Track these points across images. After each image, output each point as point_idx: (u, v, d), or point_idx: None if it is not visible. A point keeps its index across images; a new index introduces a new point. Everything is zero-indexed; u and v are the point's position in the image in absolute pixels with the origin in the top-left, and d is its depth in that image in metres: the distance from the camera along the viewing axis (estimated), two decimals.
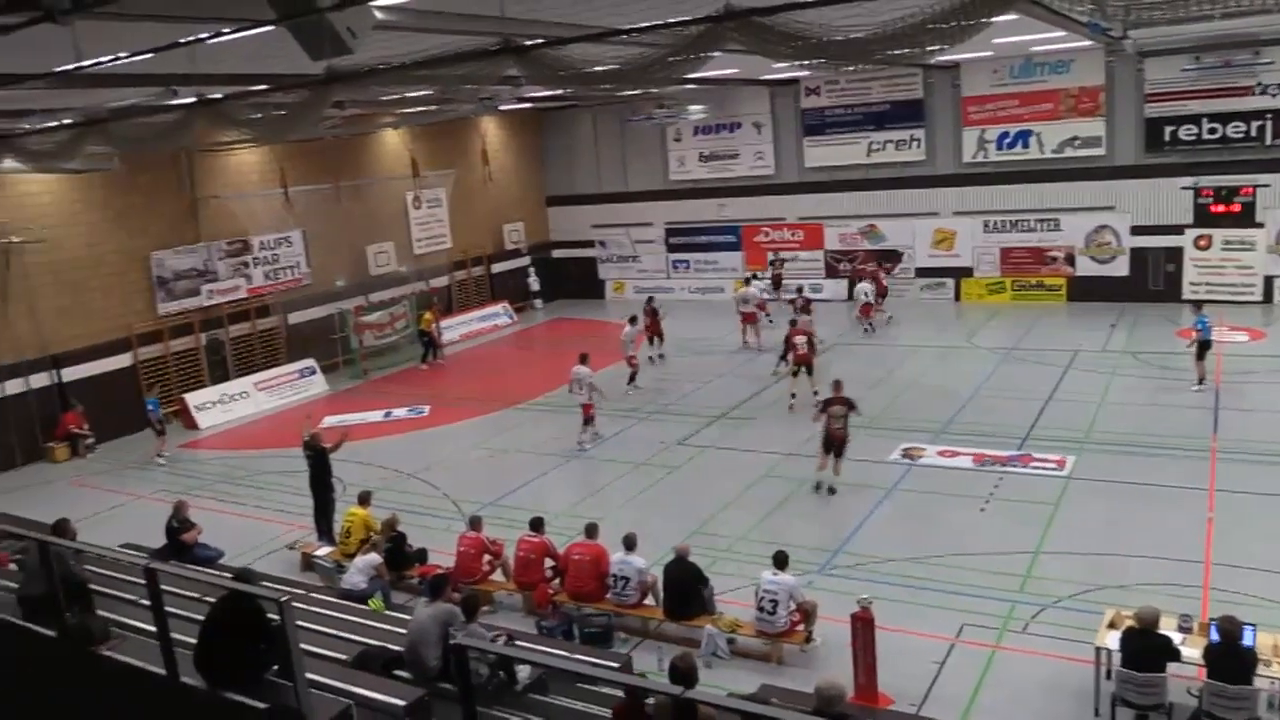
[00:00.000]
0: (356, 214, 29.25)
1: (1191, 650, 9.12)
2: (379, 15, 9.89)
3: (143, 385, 23.26)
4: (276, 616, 6.44)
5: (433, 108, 23.37)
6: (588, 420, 19.49)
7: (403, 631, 9.10)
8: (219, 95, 14.08)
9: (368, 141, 30.16)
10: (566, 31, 11.95)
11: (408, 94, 19.48)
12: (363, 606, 11.78)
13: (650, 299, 27.41)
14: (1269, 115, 26.38)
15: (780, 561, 11.32)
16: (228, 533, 15.58)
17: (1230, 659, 8.62)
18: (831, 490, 15.95)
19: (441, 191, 32.45)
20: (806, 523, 15.04)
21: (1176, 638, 9.30)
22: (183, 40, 10.07)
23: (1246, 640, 8.82)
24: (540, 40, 10.40)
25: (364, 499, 14.57)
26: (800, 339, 21.02)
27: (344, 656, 8.72)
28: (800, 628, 11.19)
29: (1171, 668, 9.01)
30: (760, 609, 11.16)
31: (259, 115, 14.87)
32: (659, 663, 10.94)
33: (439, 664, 8.46)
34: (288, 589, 11.41)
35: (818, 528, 14.71)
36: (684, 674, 7.20)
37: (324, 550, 14.62)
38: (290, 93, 13.53)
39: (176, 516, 14.24)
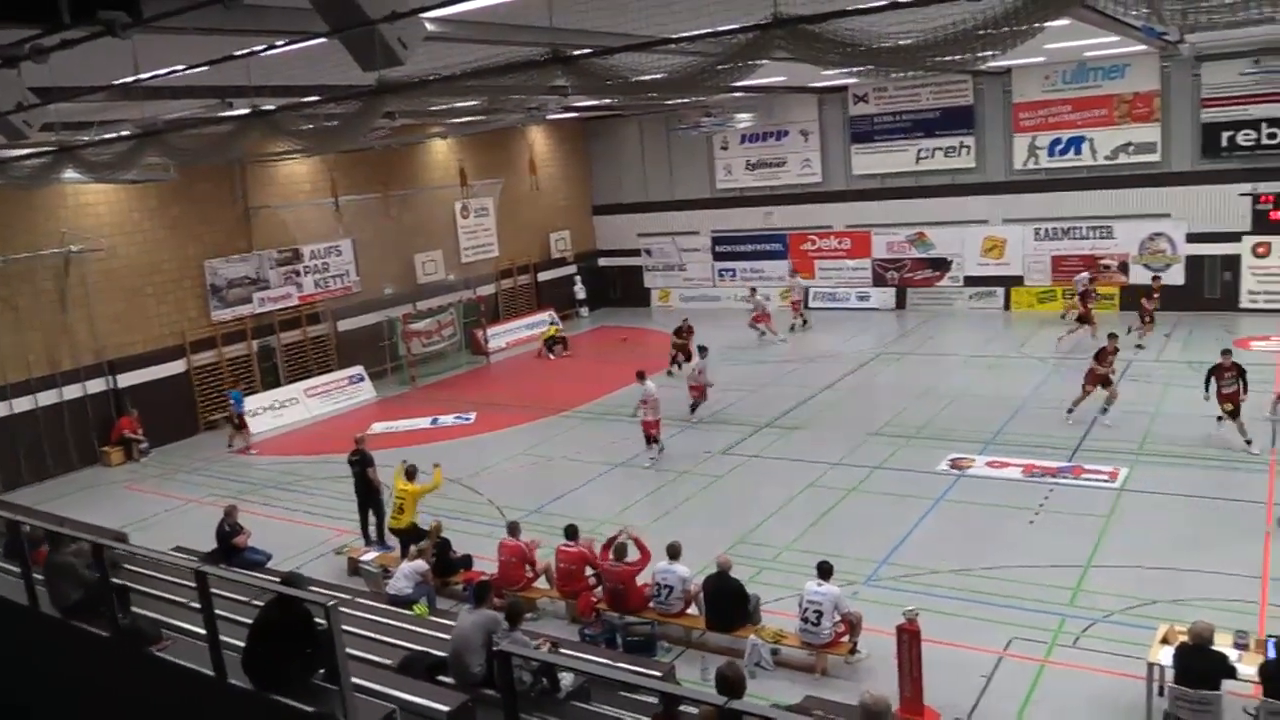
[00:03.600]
0: (405, 223, 29.58)
1: (1247, 667, 8.91)
2: (430, 27, 10.00)
3: (194, 386, 23.82)
4: (323, 620, 6.51)
5: (481, 117, 23.58)
6: (651, 439, 18.98)
7: (447, 637, 9.15)
8: (272, 107, 14.30)
9: (416, 151, 30.49)
10: (614, 41, 11.99)
11: (457, 104, 19.67)
12: (408, 612, 11.87)
13: (685, 320, 27.32)
14: None
15: (825, 572, 11.24)
16: (276, 537, 15.80)
17: None
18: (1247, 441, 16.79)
19: (489, 200, 32.70)
20: (852, 533, 14.90)
21: (1232, 654, 9.08)
22: (237, 53, 10.26)
23: None
24: (588, 50, 10.43)
25: (410, 473, 14.82)
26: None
27: (389, 661, 8.79)
28: (845, 639, 11.09)
29: (1227, 685, 8.80)
30: (804, 620, 11.07)
31: (310, 126, 15.08)
32: (701, 672, 10.91)
33: (482, 670, 8.49)
34: (334, 593, 11.53)
35: (863, 538, 14.57)
36: (732, 684, 7.12)
37: (370, 555, 14.78)
38: (342, 104, 13.71)
39: (227, 520, 14.48)
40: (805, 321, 30.85)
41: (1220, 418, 17.56)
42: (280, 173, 26.58)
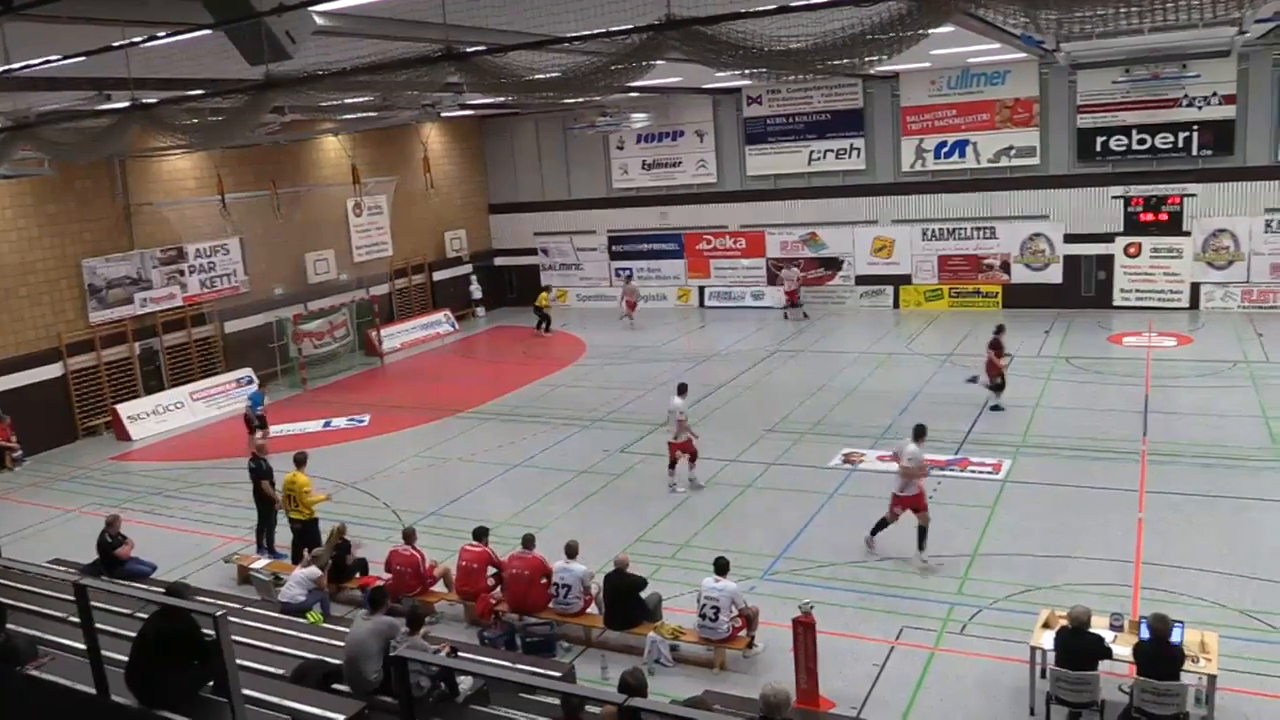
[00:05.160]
0: (295, 221, 28.85)
1: (1123, 648, 9.33)
2: (319, 21, 9.81)
3: (71, 391, 22.71)
4: (212, 632, 6.33)
5: (374, 114, 23.20)
6: (673, 462, 16.87)
7: (342, 644, 8.98)
8: (154, 100, 13.82)
9: (307, 148, 29.82)
10: (508, 39, 11.93)
11: (348, 100, 19.29)
12: (301, 620, 11.61)
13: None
14: (1195, 127, 27.22)
15: (722, 568, 11.37)
16: (162, 546, 15.29)
17: (1159, 656, 8.83)
18: None
19: (383, 199, 32.17)
20: (748, 529, 15.12)
21: (1108, 636, 9.50)
22: (116, 44, 9.88)
23: (1175, 637, 9.05)
24: (482, 47, 10.35)
25: (300, 460, 14.54)
26: None
27: (282, 671, 8.58)
28: (742, 633, 11.24)
29: (1104, 665, 9.22)
30: (702, 616, 11.19)
31: (195, 121, 14.63)
32: (602, 671, 10.95)
33: (379, 677, 8.36)
34: (223, 603, 11.24)
35: (760, 534, 14.80)
36: (634, 689, 7.18)
37: (261, 562, 14.40)
38: (228, 98, 13.34)
39: (109, 531, 13.94)
40: (804, 314, 31.06)
41: None
42: (163, 168, 25.68)
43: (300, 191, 29.26)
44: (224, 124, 14.05)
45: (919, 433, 13.66)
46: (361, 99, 18.79)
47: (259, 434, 20.11)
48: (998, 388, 19.92)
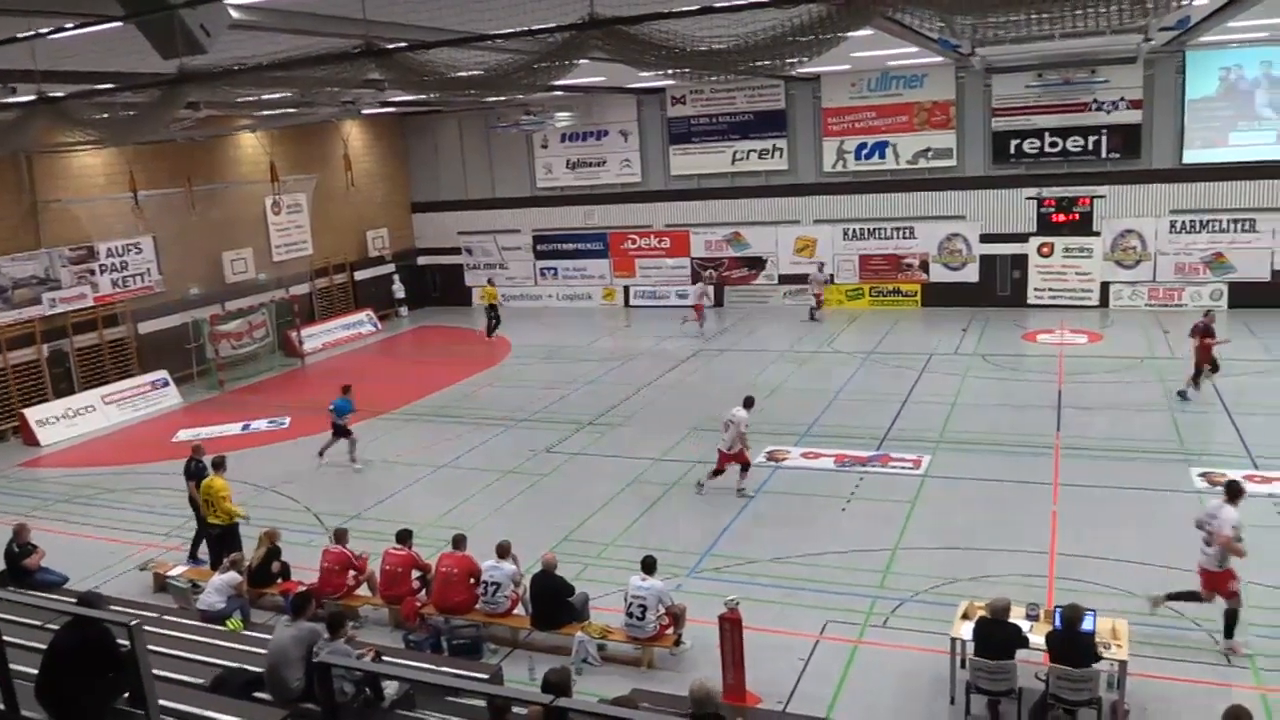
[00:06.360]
0: (212, 219, 28.15)
1: (1038, 637, 9.59)
2: (235, 14, 9.62)
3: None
4: (126, 642, 6.17)
5: (292, 110, 22.74)
6: (720, 471, 16.16)
7: (263, 651, 8.82)
8: (61, 94, 13.39)
9: (224, 144, 29.12)
10: (430, 35, 11.82)
11: (265, 96, 18.90)
12: (220, 627, 11.36)
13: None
14: (1104, 130, 28.11)
15: (648, 566, 11.42)
16: (73, 555, 14.80)
17: (1071, 644, 9.11)
18: None
19: (302, 197, 31.57)
20: (674, 527, 15.20)
21: (1025, 626, 9.77)
22: (21, 35, 9.56)
23: (1086, 625, 9.33)
24: (403, 44, 10.25)
25: (218, 464, 14.30)
26: None
27: (201, 680, 8.41)
28: (670, 631, 11.29)
29: (1020, 654, 9.47)
30: (629, 614, 11.22)
31: (105, 115, 14.22)
32: (529, 672, 10.91)
33: (301, 684, 8.23)
34: (139, 612, 10.94)
35: (685, 532, 14.89)
36: (558, 688, 7.15)
37: (178, 569, 14.05)
38: (140, 92, 12.97)
39: (16, 540, 13.47)
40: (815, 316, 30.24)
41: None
42: (73, 164, 24.85)
43: (217, 189, 28.57)
44: (136, 119, 13.69)
45: (1233, 491, 10.98)
46: (279, 95, 18.44)
47: (347, 440, 19.01)
48: (1213, 370, 19.79)
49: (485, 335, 30.46)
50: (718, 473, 16.12)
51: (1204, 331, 19.57)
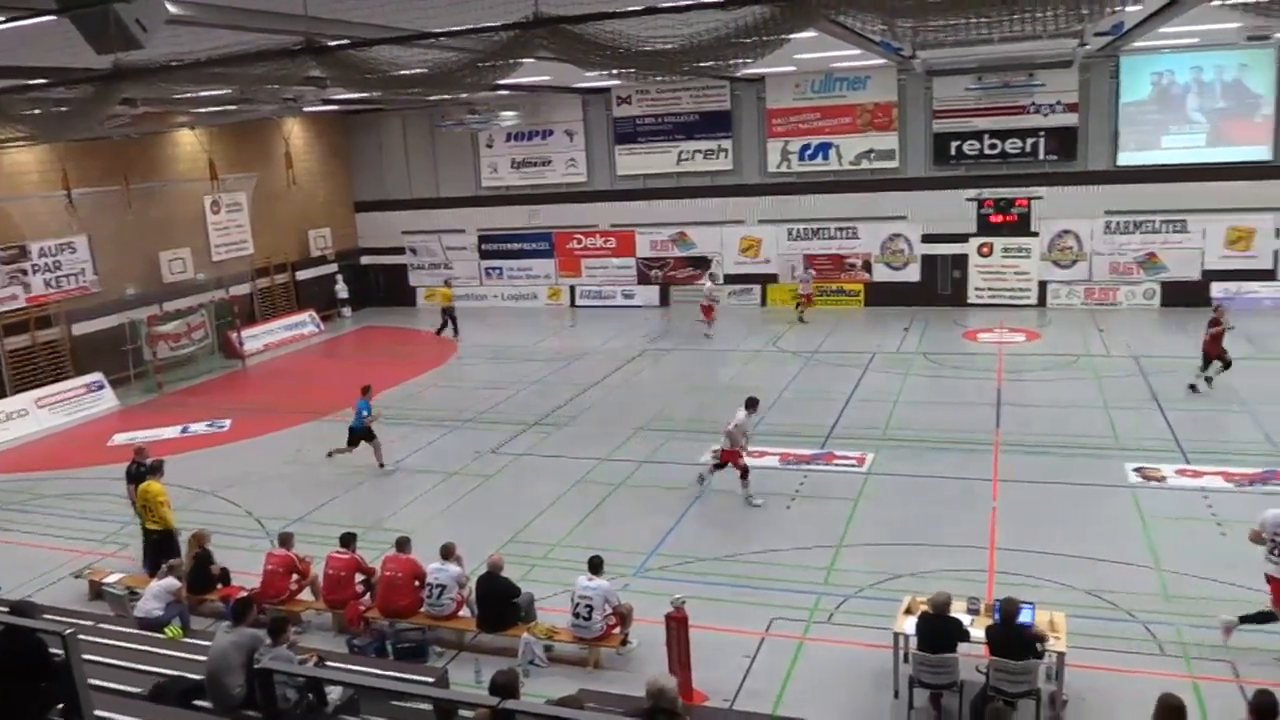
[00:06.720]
0: (149, 218, 27.61)
1: (979, 631, 9.75)
2: (172, 9, 9.43)
3: None
4: (60, 651, 6.03)
5: (231, 108, 22.34)
6: (722, 465, 16.10)
7: (203, 659, 8.66)
8: None
9: (161, 142, 28.55)
10: (372, 33, 11.70)
11: (204, 93, 18.57)
12: (159, 635, 11.14)
13: None
14: (1041, 132, 28.69)
15: (595, 566, 11.41)
16: (5, 564, 14.46)
17: (1009, 637, 9.27)
18: None
19: (242, 195, 31.06)
20: (621, 527, 15.21)
21: (966, 619, 9.91)
22: None
23: (1025, 618, 9.50)
24: (344, 41, 10.14)
25: (156, 468, 14.10)
26: None
27: (139, 689, 8.24)
28: (616, 631, 11.30)
29: (962, 647, 9.61)
30: (576, 615, 11.20)
31: (37, 111, 13.89)
32: (476, 675, 10.85)
33: (243, 691, 8.10)
34: (74, 620, 10.70)
35: (632, 531, 14.90)
36: (505, 690, 7.12)
37: (114, 576, 13.75)
38: (73, 88, 12.69)
39: None
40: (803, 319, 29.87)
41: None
42: (4, 161, 24.20)
43: (154, 187, 28.01)
44: (69, 115, 13.41)
45: None
46: (218, 92, 18.13)
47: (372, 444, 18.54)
48: (1225, 365, 19.92)
49: (435, 333, 30.25)
50: (719, 466, 16.13)
51: (1212, 323, 20.06)
